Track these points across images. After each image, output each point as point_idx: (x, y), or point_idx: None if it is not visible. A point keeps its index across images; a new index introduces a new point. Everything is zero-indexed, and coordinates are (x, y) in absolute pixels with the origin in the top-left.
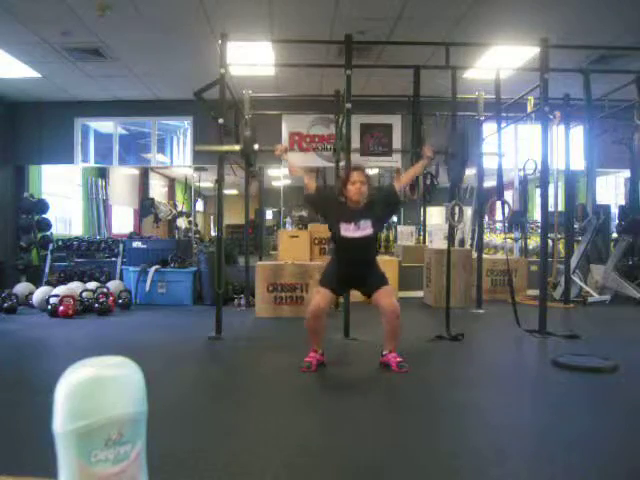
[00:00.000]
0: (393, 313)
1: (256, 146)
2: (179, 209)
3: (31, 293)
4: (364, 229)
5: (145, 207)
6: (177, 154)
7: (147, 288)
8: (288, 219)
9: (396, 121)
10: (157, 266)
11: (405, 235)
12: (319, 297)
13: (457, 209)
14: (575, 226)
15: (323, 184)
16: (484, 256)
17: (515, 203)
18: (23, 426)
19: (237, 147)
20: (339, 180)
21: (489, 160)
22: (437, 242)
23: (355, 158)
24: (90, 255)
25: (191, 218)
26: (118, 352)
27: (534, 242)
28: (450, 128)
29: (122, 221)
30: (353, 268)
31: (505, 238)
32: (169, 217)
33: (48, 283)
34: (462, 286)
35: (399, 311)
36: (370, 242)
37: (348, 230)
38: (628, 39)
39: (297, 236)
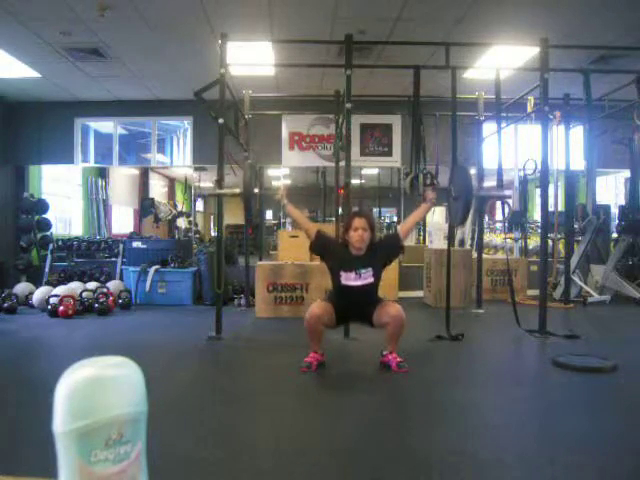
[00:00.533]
0: (400, 317)
1: (256, 190)
2: (179, 209)
3: (31, 293)
4: (365, 278)
5: (145, 207)
6: (177, 154)
7: (147, 288)
8: (288, 219)
9: (396, 121)
10: (157, 266)
11: None
12: (316, 306)
13: None
14: (575, 226)
15: (323, 182)
16: (484, 256)
17: (515, 203)
18: (23, 426)
19: (237, 190)
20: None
21: (489, 160)
22: (437, 242)
23: (355, 158)
24: (90, 255)
25: (191, 218)
26: (118, 352)
27: (534, 242)
28: (452, 169)
29: (122, 221)
30: (354, 310)
31: (505, 238)
32: (169, 217)
33: (48, 283)
34: (462, 286)
35: (404, 316)
36: (371, 290)
37: (349, 279)
38: (628, 39)
39: (297, 236)
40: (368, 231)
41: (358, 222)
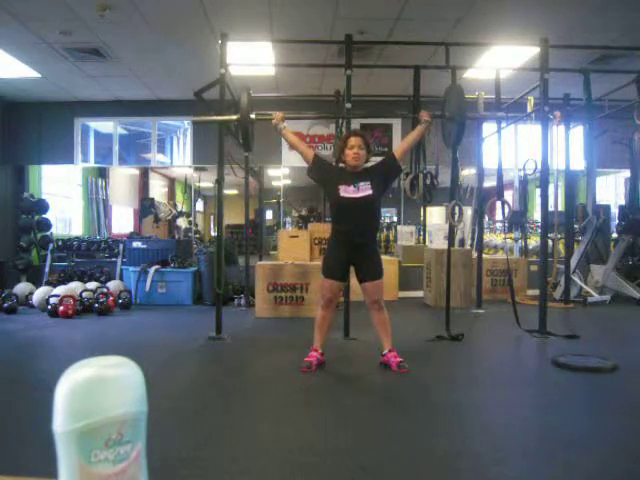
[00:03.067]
0: (375, 302)
1: (253, 115)
2: (179, 209)
3: (31, 293)
4: (364, 190)
5: (145, 207)
6: (177, 154)
7: (147, 288)
8: (288, 219)
9: (396, 121)
10: (157, 266)
11: (405, 235)
12: (327, 289)
13: (457, 209)
14: (575, 226)
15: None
16: (484, 256)
17: (515, 203)
18: (23, 426)
19: (234, 117)
20: (337, 146)
21: (489, 160)
22: (437, 242)
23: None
24: (90, 255)
25: (191, 218)
26: (118, 352)
27: (534, 242)
28: (446, 89)
29: (122, 221)
30: (353, 237)
31: (505, 238)
32: (169, 217)
33: (48, 283)
34: (462, 286)
35: (382, 302)
36: (370, 204)
37: (347, 192)
38: (628, 39)
39: (297, 236)
40: (364, 149)
41: (354, 140)
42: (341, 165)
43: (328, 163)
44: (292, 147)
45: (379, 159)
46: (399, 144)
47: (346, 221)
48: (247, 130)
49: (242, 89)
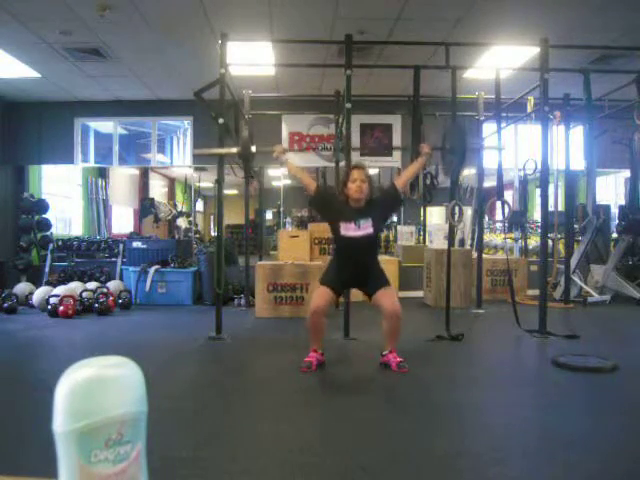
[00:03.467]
0: (394, 314)
1: (253, 148)
2: (179, 209)
3: (31, 293)
4: (365, 228)
5: (145, 207)
6: (177, 154)
7: (147, 288)
8: (288, 219)
9: (396, 121)
10: (157, 266)
11: (405, 235)
12: (318, 296)
13: (457, 209)
14: (575, 226)
15: (323, 183)
16: (484, 256)
17: (515, 203)
18: (23, 426)
19: (234, 150)
20: (340, 179)
21: (489, 160)
22: (437, 242)
23: (355, 158)
24: (90, 255)
25: (191, 218)
26: (118, 352)
27: (534, 242)
28: (447, 123)
29: (122, 221)
30: (354, 267)
31: (505, 238)
32: (169, 217)
33: (48, 283)
34: (462, 286)
35: (400, 312)
36: (371, 241)
37: (348, 229)
38: (628, 39)
39: (297, 236)
40: (366, 182)
41: (357, 174)
42: (342, 198)
43: (330, 195)
44: (294, 177)
45: (381, 159)
46: (400, 175)
47: (347, 254)
48: (248, 162)
49: (245, 123)
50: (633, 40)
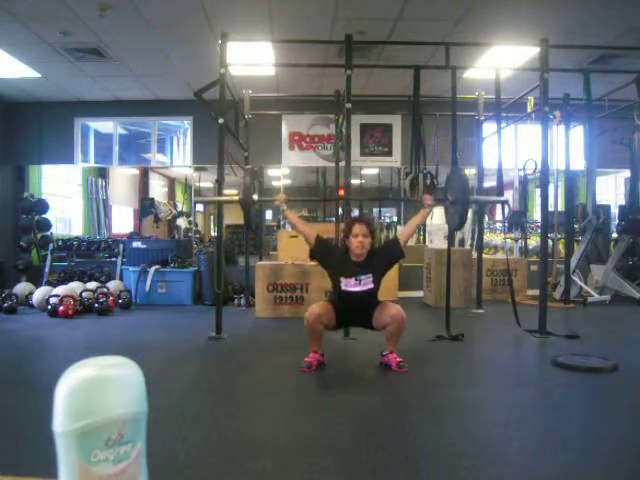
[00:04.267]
0: (400, 317)
1: (255, 196)
2: (179, 209)
3: (31, 293)
4: (365, 284)
5: (145, 207)
6: (177, 154)
7: (147, 288)
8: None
9: (396, 121)
10: (157, 266)
11: None
12: (319, 306)
13: None
14: (575, 226)
15: (323, 183)
16: (484, 256)
17: (515, 203)
18: (23, 426)
19: (236, 198)
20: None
21: (489, 160)
22: (437, 242)
23: (355, 158)
24: (90, 255)
25: (191, 218)
26: (118, 352)
27: (534, 242)
28: (449, 175)
29: (122, 221)
30: (354, 316)
31: (505, 238)
32: (169, 217)
33: (48, 283)
34: (462, 286)
35: (405, 316)
36: (371, 296)
37: (349, 285)
38: (628, 39)
39: (297, 236)
40: (368, 237)
41: (358, 229)
42: (344, 250)
43: (330, 246)
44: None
45: (381, 159)
46: (403, 229)
47: (347, 307)
48: (249, 210)
49: (245, 170)
50: (633, 40)
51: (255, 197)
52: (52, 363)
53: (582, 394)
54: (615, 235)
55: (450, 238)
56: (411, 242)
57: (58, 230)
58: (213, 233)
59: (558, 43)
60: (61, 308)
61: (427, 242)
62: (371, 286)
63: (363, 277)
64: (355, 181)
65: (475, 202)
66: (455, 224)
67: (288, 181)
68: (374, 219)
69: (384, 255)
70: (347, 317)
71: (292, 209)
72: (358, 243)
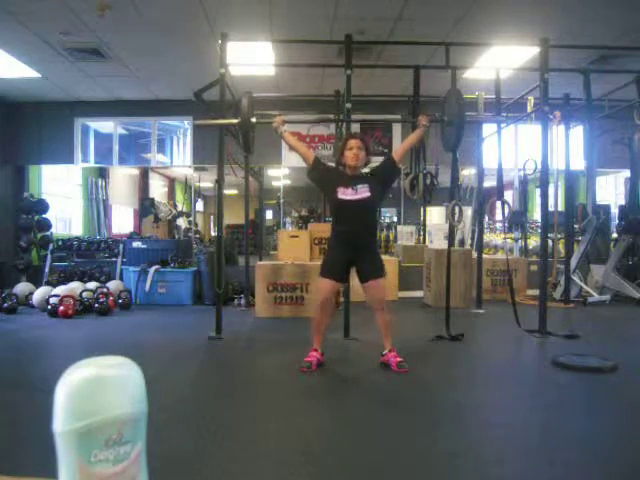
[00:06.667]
0: (378, 303)
1: (254, 119)
2: (179, 209)
3: (31, 293)
4: (362, 192)
5: (145, 207)
6: (177, 154)
7: (147, 288)
8: (288, 219)
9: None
10: (157, 266)
11: (405, 235)
12: (323, 289)
13: (457, 209)
14: (575, 226)
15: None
16: (484, 256)
17: (515, 203)
18: (23, 426)
19: (235, 120)
20: (337, 148)
21: (489, 160)
22: (437, 242)
23: None
24: (90, 255)
25: (191, 218)
26: (118, 352)
27: (534, 242)
28: (445, 96)
29: (122, 221)
30: (354, 239)
31: (505, 238)
32: (169, 217)
33: (48, 283)
34: (462, 286)
35: (384, 302)
36: (369, 206)
37: (346, 194)
38: (628, 39)
39: (297, 236)
40: (363, 151)
41: (353, 142)
42: (340, 168)
43: (328, 166)
44: (292, 149)
45: (380, 159)
46: (398, 146)
47: (345, 222)
48: (248, 133)
49: (243, 93)
50: (633, 40)
51: (253, 120)
52: (52, 363)
53: (582, 394)
54: (615, 235)
55: (450, 238)
56: (411, 242)
57: (58, 230)
58: (213, 233)
59: (558, 43)
60: (61, 308)
61: (427, 242)
62: (368, 194)
63: (360, 186)
64: None
65: (471, 122)
66: (451, 144)
67: (288, 181)
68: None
69: (380, 170)
70: (347, 247)
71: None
72: (353, 155)
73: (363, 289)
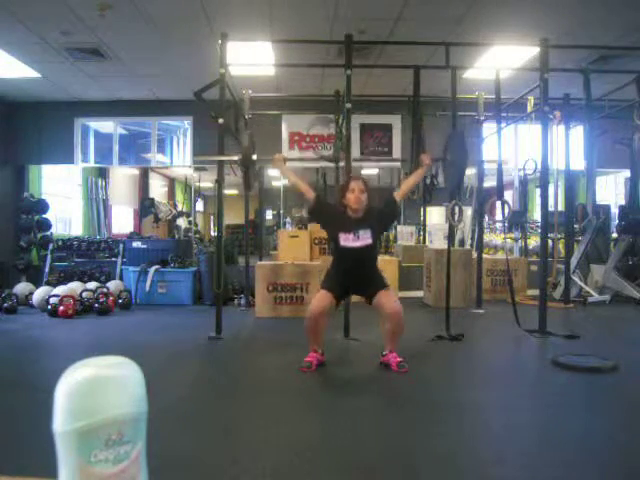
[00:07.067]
0: (396, 314)
1: (254, 156)
2: (179, 209)
3: (31, 293)
4: (364, 239)
5: (145, 207)
6: (177, 154)
7: (147, 288)
8: (288, 219)
9: (396, 121)
10: (157, 266)
11: (405, 235)
12: (318, 299)
13: (457, 209)
14: (575, 226)
15: (323, 183)
16: (484, 256)
17: (515, 203)
18: (23, 426)
19: (235, 157)
20: (338, 189)
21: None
22: (437, 242)
23: (355, 158)
24: (90, 255)
25: (191, 218)
26: (118, 352)
27: (534, 242)
28: (448, 133)
29: (122, 221)
30: (354, 276)
31: (505, 238)
32: (169, 217)
33: (48, 283)
34: (462, 286)
35: (402, 312)
36: (370, 251)
37: (347, 240)
38: (628, 39)
39: (297, 236)
40: (365, 193)
41: (355, 185)
42: (341, 209)
43: (330, 205)
44: (293, 186)
45: (380, 159)
46: (400, 187)
47: (346, 264)
48: (248, 170)
49: (246, 132)
50: (633, 40)
51: (254, 157)
52: (52, 363)
53: (582, 394)
54: (615, 235)
55: (450, 238)
56: (411, 242)
57: (58, 230)
58: (213, 233)
59: (558, 43)
60: (61, 308)
61: (427, 242)
62: (369, 241)
63: (361, 232)
64: None
65: (473, 164)
66: (453, 184)
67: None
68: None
69: (381, 212)
70: (347, 281)
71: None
72: (355, 198)
73: (375, 304)
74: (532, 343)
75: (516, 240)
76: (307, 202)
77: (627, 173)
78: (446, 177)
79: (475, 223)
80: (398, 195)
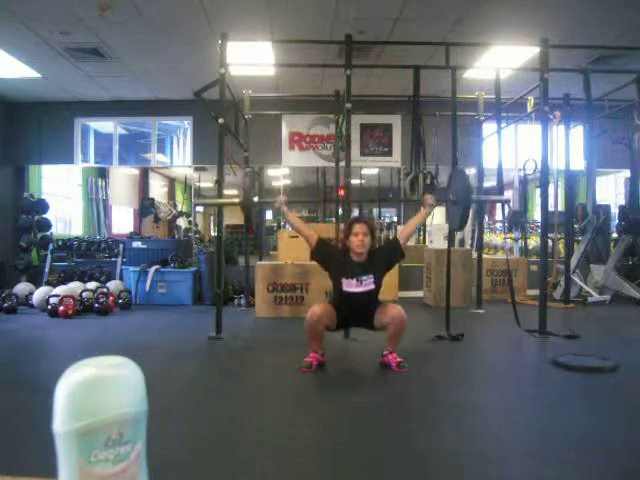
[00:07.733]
0: (400, 317)
1: (255, 198)
2: (179, 209)
3: (31, 293)
4: (366, 285)
5: (145, 207)
6: (177, 154)
7: (147, 288)
8: None
9: (396, 121)
10: (157, 266)
11: None
12: (319, 306)
13: None
14: (575, 226)
15: (323, 181)
16: (484, 256)
17: (515, 203)
18: (23, 426)
19: (236, 200)
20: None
21: (489, 160)
22: (437, 242)
23: (355, 157)
24: (90, 255)
25: (191, 218)
26: (118, 352)
27: (534, 242)
28: (451, 174)
29: (122, 221)
30: (354, 316)
31: (505, 238)
32: (169, 217)
33: (48, 283)
34: (462, 286)
35: (404, 315)
36: (372, 296)
37: (350, 286)
38: (628, 39)
39: (297, 236)
40: (368, 236)
41: (358, 228)
42: (344, 251)
43: (332, 247)
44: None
45: (381, 159)
46: (403, 229)
47: (348, 307)
48: (250, 213)
49: (245, 172)
50: (633, 40)
51: (255, 199)
52: (52, 363)
53: (582, 394)
54: (615, 235)
55: (450, 238)
56: (411, 242)
57: (58, 230)
58: (213, 233)
59: (558, 43)
60: (61, 308)
61: (427, 242)
62: (372, 287)
63: (364, 278)
64: (355, 181)
65: (477, 202)
66: (456, 224)
67: (288, 181)
68: (374, 219)
69: (384, 255)
70: (348, 318)
71: (292, 210)
72: (359, 242)
73: (378, 320)
74: (532, 343)
75: (516, 240)
76: (309, 244)
77: (627, 173)
78: (449, 216)
79: (475, 223)
80: (402, 237)
